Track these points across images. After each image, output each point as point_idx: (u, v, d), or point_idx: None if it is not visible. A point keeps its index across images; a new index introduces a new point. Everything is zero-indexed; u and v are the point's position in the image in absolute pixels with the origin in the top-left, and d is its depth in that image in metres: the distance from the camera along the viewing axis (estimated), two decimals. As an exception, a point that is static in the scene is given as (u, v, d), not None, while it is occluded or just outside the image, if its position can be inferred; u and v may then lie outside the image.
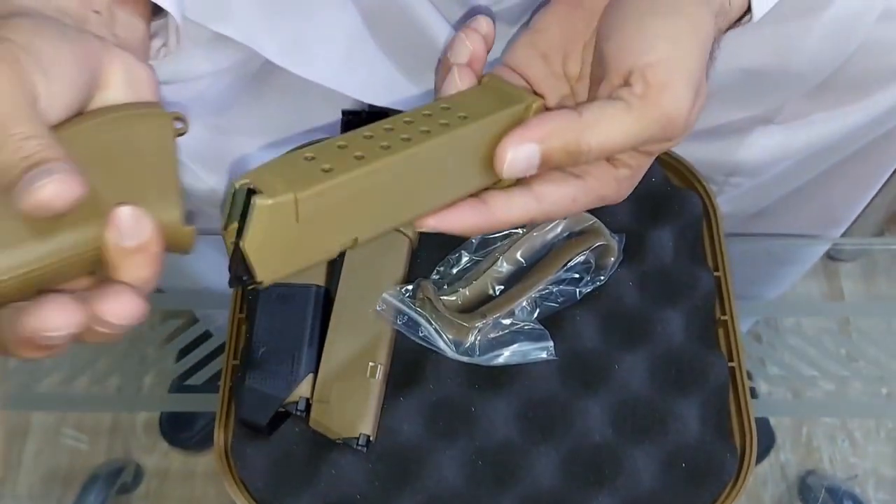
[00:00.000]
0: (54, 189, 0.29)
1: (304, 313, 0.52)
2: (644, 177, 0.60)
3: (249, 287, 0.33)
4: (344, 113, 0.62)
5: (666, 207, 0.59)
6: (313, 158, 0.33)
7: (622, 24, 0.39)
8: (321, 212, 0.32)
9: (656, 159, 0.61)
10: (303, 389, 0.50)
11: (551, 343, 0.52)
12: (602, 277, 0.55)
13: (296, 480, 0.50)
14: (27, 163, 0.30)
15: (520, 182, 0.40)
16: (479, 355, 0.52)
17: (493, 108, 0.38)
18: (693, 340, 0.55)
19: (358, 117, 0.63)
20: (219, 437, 0.51)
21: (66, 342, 0.31)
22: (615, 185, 0.41)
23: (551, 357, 0.52)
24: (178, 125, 0.36)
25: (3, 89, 0.32)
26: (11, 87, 0.33)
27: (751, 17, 0.43)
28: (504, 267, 0.54)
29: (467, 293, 0.54)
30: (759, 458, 0.96)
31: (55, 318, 0.30)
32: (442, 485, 0.50)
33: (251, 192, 0.31)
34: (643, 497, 0.50)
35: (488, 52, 0.42)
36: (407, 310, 0.52)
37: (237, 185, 0.31)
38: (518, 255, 0.54)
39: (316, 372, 0.51)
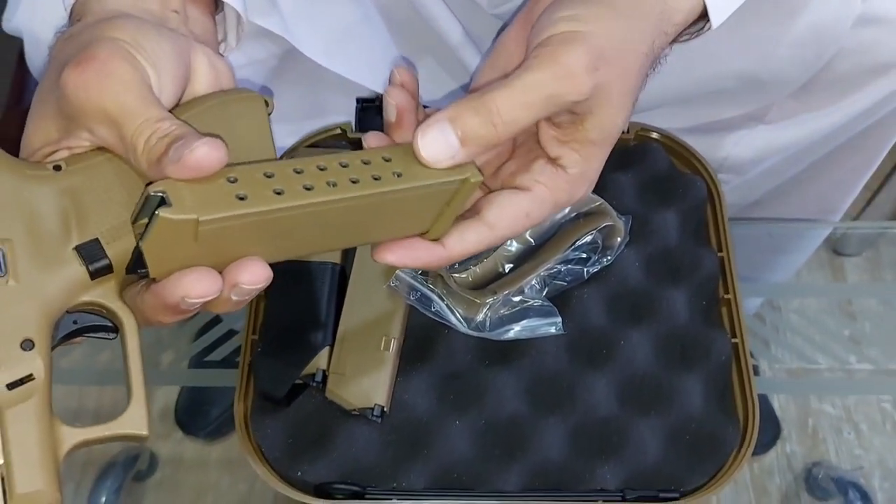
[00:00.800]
0: (206, 150, 0.33)
1: (320, 290, 0.54)
2: (650, 162, 0.62)
3: (143, 277, 0.36)
4: (358, 101, 0.64)
5: (671, 191, 0.61)
6: (235, 181, 0.33)
7: (540, 17, 0.40)
8: (222, 234, 0.33)
9: (662, 146, 0.63)
10: (320, 362, 0.52)
11: (559, 319, 0.54)
12: (609, 257, 0.56)
13: (312, 449, 0.51)
14: (169, 139, 0.33)
15: (470, 211, 0.41)
16: (489, 330, 0.53)
17: (430, 174, 0.38)
18: (697, 318, 0.56)
19: (372, 104, 0.65)
20: (239, 408, 0.53)
21: (201, 308, 0.35)
22: (567, 187, 0.41)
23: (559, 332, 0.53)
24: (268, 107, 0.40)
25: (128, 80, 0.35)
26: (134, 79, 0.35)
27: (709, 25, 0.43)
28: (514, 246, 0.56)
29: (478, 271, 0.55)
30: (765, 449, 0.97)
31: (199, 285, 0.34)
32: (453, 455, 0.52)
33: (162, 201, 0.32)
34: (648, 468, 0.51)
35: (416, 97, 0.43)
36: (420, 286, 0.54)
37: (152, 191, 0.32)
38: (527, 235, 0.56)
39: (332, 345, 0.53)
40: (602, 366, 0.54)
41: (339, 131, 0.62)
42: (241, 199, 0.33)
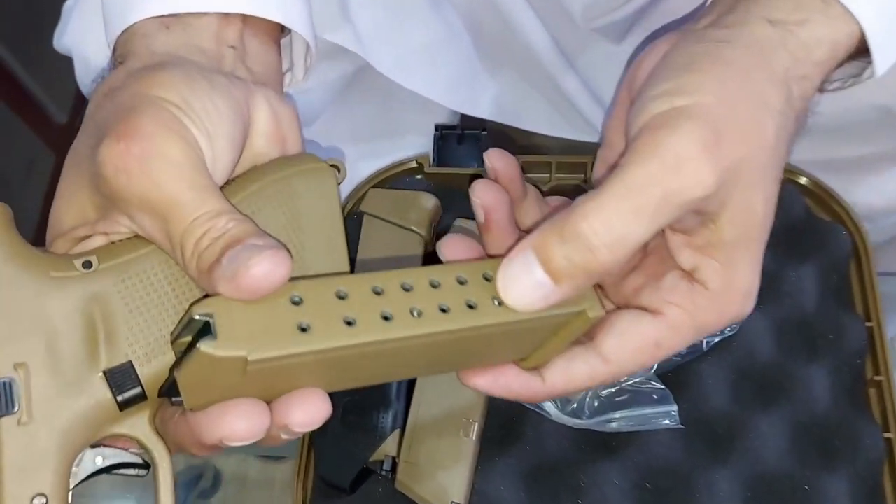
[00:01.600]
0: (266, 268, 0.26)
1: (391, 359, 0.47)
2: (782, 206, 0.52)
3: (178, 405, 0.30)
4: (437, 128, 0.57)
5: (807, 243, 0.51)
6: (300, 303, 0.27)
7: (639, 95, 0.32)
8: (277, 370, 0.27)
9: (795, 185, 0.53)
10: (389, 447, 0.45)
11: (675, 407, 0.45)
12: (733, 326, 0.47)
13: (379, 550, 0.44)
14: (224, 242, 0.27)
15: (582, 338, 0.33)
16: (588, 417, 0.45)
17: None
18: (840, 404, 0.47)
19: (452, 131, 0.57)
20: (297, 492, 0.46)
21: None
22: (711, 306, 0.32)
23: (675, 425, 0.45)
24: (338, 175, 0.34)
25: (178, 163, 0.29)
26: (186, 160, 0.29)
27: (871, 71, 0.34)
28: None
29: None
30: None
31: (243, 424, 0.28)
32: (545, 563, 0.44)
33: (206, 326, 0.26)
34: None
35: (517, 183, 0.34)
36: (506, 359, 0.46)
37: (196, 314, 0.26)
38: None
39: (403, 428, 0.45)
40: (725, 460, 0.46)
41: (414, 164, 0.54)
42: (304, 330, 0.27)
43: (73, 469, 0.28)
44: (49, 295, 0.28)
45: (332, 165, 0.33)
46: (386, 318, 0.28)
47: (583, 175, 0.52)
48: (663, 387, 0.46)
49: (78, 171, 0.31)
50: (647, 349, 0.32)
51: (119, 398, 0.28)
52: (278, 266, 0.27)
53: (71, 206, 0.31)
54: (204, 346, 0.25)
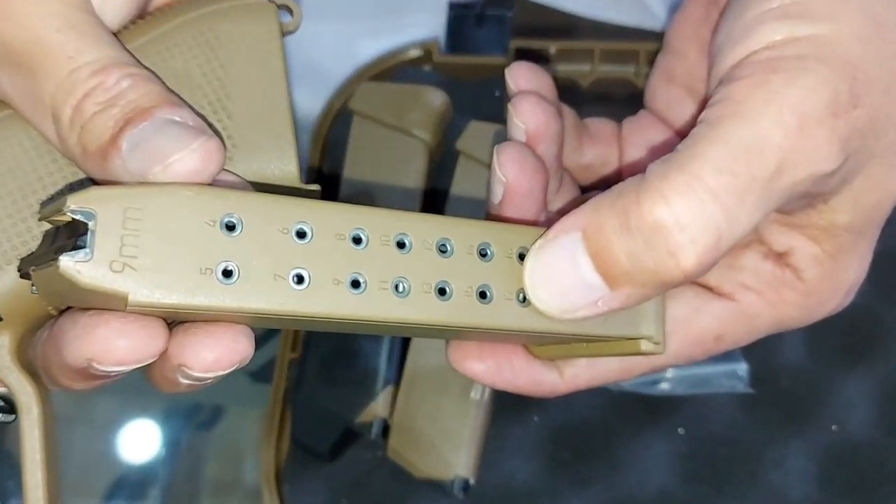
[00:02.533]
0: (194, 163, 0.19)
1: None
2: None
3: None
4: (451, 6, 0.46)
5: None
6: (232, 228, 0.19)
7: (732, 2, 0.23)
8: (174, 313, 0.19)
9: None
10: (379, 407, 0.37)
11: (744, 365, 0.36)
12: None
13: (366, 529, 0.37)
14: (121, 114, 0.20)
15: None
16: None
17: None
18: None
19: (469, 12, 0.46)
20: (266, 455, 0.38)
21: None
22: (799, 300, 0.25)
23: (744, 390, 0.36)
24: (286, 19, 0.24)
25: None
26: None
27: None
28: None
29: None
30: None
31: (119, 345, 0.19)
32: (568, 550, 0.36)
33: (84, 233, 0.18)
34: None
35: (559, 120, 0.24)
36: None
37: (74, 206, 0.18)
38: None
39: (397, 384, 0.37)
40: (800, 430, 0.37)
41: (419, 52, 0.44)
42: (227, 275, 0.18)
43: None
44: None
45: (280, 6, 0.24)
46: (355, 286, 0.19)
47: (633, 67, 0.42)
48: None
49: None
50: (705, 342, 0.25)
51: None
52: (209, 163, 0.19)
53: None
54: (65, 263, 0.17)
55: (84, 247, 0.17)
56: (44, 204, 0.21)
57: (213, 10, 0.23)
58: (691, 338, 0.25)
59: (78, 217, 0.18)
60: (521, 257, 0.21)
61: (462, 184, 0.39)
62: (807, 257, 0.24)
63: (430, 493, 0.37)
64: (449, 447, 0.36)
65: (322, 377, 0.38)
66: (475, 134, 0.39)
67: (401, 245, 0.20)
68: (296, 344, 0.39)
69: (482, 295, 0.20)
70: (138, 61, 0.21)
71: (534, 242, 0.21)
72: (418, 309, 0.20)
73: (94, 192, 0.18)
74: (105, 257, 0.18)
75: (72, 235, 0.18)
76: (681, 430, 0.37)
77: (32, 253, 0.21)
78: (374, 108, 0.40)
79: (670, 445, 0.37)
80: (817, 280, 0.24)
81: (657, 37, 0.42)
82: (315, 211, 0.19)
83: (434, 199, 0.40)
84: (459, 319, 0.20)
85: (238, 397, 0.85)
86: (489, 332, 0.21)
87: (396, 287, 0.19)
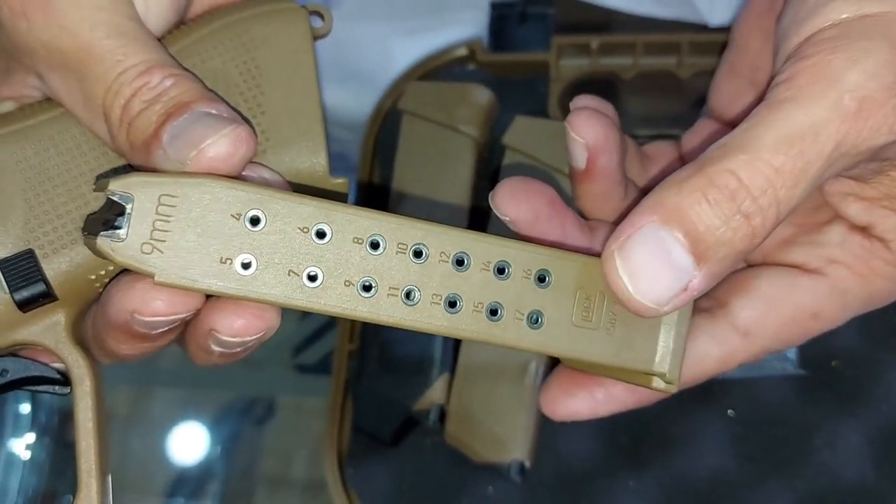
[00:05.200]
0: (225, 148, 0.21)
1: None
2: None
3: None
4: (493, 6, 0.47)
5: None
6: (256, 223, 0.20)
7: None
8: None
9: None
10: (436, 394, 0.38)
11: (794, 347, 0.36)
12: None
13: (427, 512, 0.38)
14: (163, 109, 0.22)
15: (709, 299, 0.25)
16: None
17: (608, 347, 0.23)
18: None
19: (512, 10, 0.47)
20: (330, 442, 0.40)
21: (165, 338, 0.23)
22: (888, 268, 0.25)
23: (794, 371, 0.36)
24: (317, 24, 0.25)
25: (93, 1, 0.22)
26: None
27: None
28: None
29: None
30: None
31: (159, 296, 0.21)
32: (625, 530, 0.37)
33: (121, 213, 0.20)
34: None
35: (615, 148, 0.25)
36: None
37: (115, 189, 0.20)
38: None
39: (452, 373, 0.38)
40: (852, 409, 0.37)
41: (464, 51, 0.45)
42: (246, 266, 0.20)
43: None
44: None
45: (312, 11, 0.25)
46: (366, 290, 0.20)
47: (675, 58, 0.42)
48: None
49: None
50: (801, 321, 0.25)
51: (16, 296, 0.23)
52: (239, 147, 0.21)
53: None
54: (102, 241, 0.20)
55: (120, 227, 0.20)
56: (100, 177, 0.24)
57: (249, 14, 0.25)
58: (787, 316, 0.25)
59: (117, 199, 0.20)
60: (539, 279, 0.22)
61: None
62: (890, 228, 0.24)
63: (488, 476, 0.38)
64: (505, 431, 0.37)
65: (380, 366, 0.39)
66: (521, 129, 0.40)
67: (417, 254, 0.21)
68: (353, 335, 0.41)
69: (492, 312, 0.21)
70: (179, 63, 0.23)
71: (587, 270, 0.22)
72: (425, 317, 0.21)
73: (133, 179, 0.20)
74: (137, 239, 0.20)
75: (111, 213, 0.20)
76: (730, 413, 0.38)
77: (93, 213, 0.23)
78: (422, 107, 0.42)
79: (723, 427, 0.38)
80: None
81: (698, 29, 0.43)
82: (337, 213, 0.20)
83: (484, 194, 0.41)
84: (502, 340, 0.21)
85: (292, 391, 0.87)
86: (499, 346, 0.22)
87: (408, 295, 0.21)
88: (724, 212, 0.20)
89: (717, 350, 0.25)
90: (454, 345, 0.38)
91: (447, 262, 0.21)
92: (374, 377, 0.39)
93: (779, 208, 0.20)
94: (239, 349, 0.22)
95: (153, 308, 0.21)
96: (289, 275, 0.20)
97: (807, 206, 0.25)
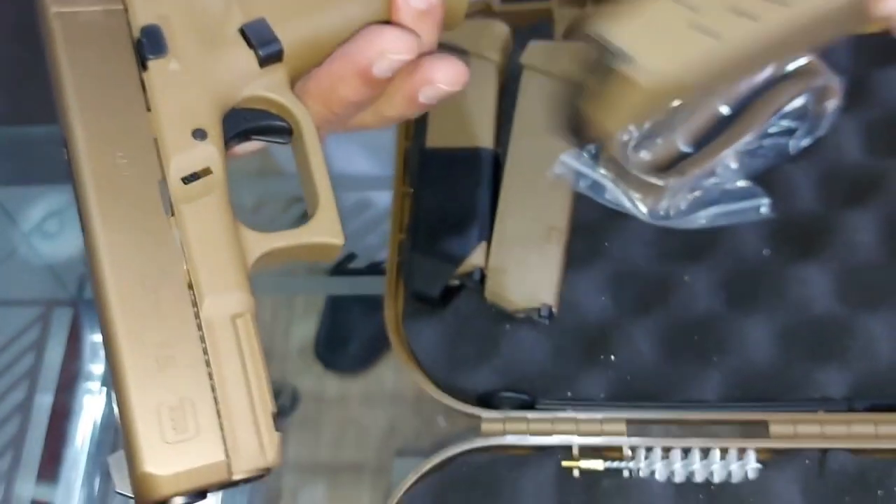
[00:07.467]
0: None
1: (472, 178, 0.48)
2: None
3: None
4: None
5: None
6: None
7: None
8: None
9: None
10: (476, 259, 0.46)
11: (767, 200, 0.45)
12: (820, 128, 0.46)
13: (473, 356, 0.45)
14: None
15: None
16: (674, 218, 0.45)
17: None
18: (934, 198, 0.46)
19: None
20: (390, 312, 0.47)
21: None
22: None
23: (767, 215, 0.44)
24: None
25: None
26: None
27: None
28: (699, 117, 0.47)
29: (659, 151, 0.47)
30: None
31: (398, 35, 0.27)
32: (635, 361, 0.44)
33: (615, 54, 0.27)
34: (880, 373, 0.42)
35: None
36: (589, 171, 0.46)
37: (612, 39, 0.27)
38: (717, 104, 0.47)
39: (489, 240, 0.46)
40: (816, 255, 0.45)
41: (482, 5, 0.54)
42: (702, 30, 0.27)
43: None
44: None
45: None
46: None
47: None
48: (752, 184, 0.45)
49: None
50: None
51: (260, 52, 0.27)
52: None
53: None
54: (630, 69, 0.26)
55: (627, 59, 0.27)
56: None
57: None
58: None
59: (615, 50, 0.27)
60: None
61: (527, 92, 0.49)
62: None
63: (522, 322, 0.45)
64: (535, 283, 0.45)
65: (428, 239, 0.47)
66: (535, 50, 0.49)
67: None
68: (402, 226, 0.49)
69: None
70: None
71: None
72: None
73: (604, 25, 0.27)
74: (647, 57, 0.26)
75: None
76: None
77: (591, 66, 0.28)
78: (450, 38, 0.51)
79: (710, 273, 0.45)
80: None
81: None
82: None
83: (505, 107, 0.50)
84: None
85: (313, 384, 0.94)
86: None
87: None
88: None
89: None
90: (490, 217, 0.46)
91: None
92: (421, 249, 0.47)
93: None
94: (435, 101, 0.28)
95: (397, 46, 0.26)
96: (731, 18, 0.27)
97: None
